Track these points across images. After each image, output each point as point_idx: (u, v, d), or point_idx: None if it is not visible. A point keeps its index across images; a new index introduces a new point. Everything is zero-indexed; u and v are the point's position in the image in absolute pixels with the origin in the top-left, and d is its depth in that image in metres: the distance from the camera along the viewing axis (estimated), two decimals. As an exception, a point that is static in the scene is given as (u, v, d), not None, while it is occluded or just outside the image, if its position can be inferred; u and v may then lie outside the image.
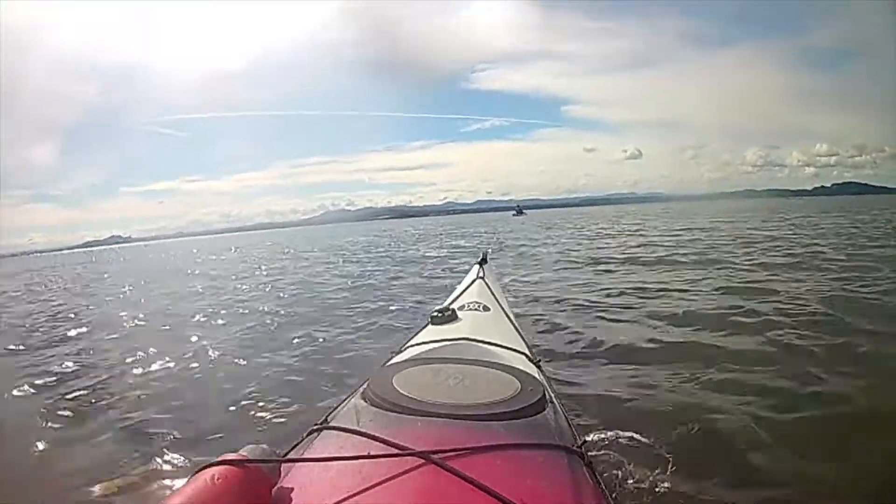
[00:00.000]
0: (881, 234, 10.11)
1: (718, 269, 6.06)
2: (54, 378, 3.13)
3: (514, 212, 51.83)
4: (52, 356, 3.74)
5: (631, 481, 1.61)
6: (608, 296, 4.69)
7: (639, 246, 9.55)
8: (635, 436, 1.98)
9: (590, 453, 0.82)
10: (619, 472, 1.61)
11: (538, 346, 2.68)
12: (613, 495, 0.75)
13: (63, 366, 3.40)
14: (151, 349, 3.58)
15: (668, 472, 1.76)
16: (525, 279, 6.12)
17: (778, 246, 8.26)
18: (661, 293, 4.68)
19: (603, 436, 1.93)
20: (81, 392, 2.78)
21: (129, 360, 3.41)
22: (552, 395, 1.02)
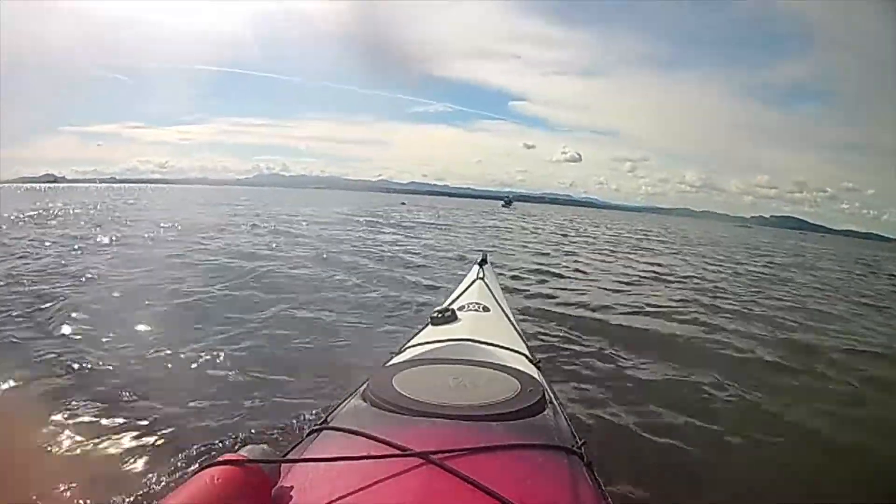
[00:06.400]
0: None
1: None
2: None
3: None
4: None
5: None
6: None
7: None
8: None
9: (589, 454, 0.82)
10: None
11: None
12: (613, 496, 0.75)
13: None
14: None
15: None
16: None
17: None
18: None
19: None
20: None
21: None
22: (552, 396, 1.03)
